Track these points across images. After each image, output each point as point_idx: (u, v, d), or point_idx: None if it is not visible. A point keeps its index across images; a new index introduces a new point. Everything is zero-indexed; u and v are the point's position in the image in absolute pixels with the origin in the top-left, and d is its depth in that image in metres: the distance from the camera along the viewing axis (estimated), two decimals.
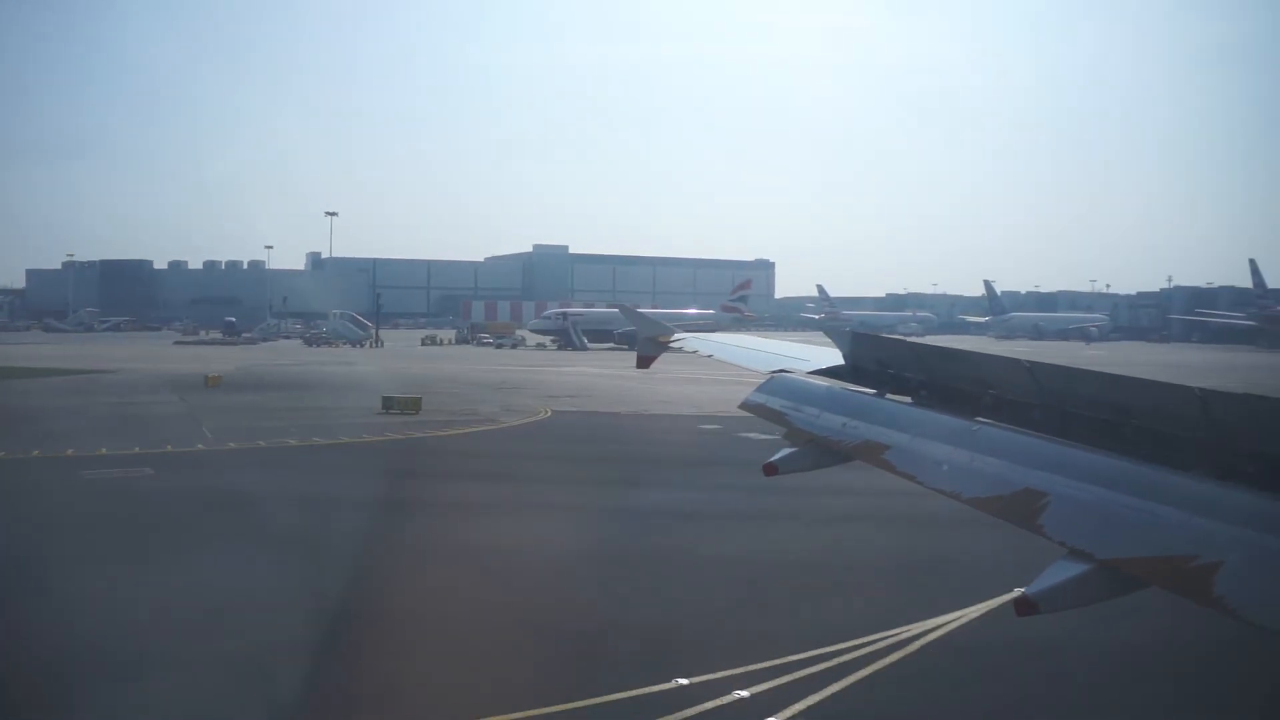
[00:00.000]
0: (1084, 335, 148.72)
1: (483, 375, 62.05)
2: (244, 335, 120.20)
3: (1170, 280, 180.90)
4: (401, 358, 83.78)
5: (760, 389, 7.15)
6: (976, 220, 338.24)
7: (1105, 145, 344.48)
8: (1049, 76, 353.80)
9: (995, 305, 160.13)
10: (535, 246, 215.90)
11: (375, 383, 50.82)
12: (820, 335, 9.73)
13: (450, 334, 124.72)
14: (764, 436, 34.04)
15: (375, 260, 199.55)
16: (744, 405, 7.26)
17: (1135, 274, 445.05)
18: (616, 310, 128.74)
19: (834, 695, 11.45)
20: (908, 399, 5.87)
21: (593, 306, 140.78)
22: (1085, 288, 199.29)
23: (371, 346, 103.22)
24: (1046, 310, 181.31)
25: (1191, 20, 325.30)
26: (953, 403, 5.40)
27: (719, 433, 35.93)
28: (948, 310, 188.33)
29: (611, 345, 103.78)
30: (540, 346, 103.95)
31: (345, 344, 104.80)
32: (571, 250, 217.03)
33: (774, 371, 7.36)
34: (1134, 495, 3.76)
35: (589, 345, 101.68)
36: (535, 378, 61.13)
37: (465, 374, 63.49)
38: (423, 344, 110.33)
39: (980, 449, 4.72)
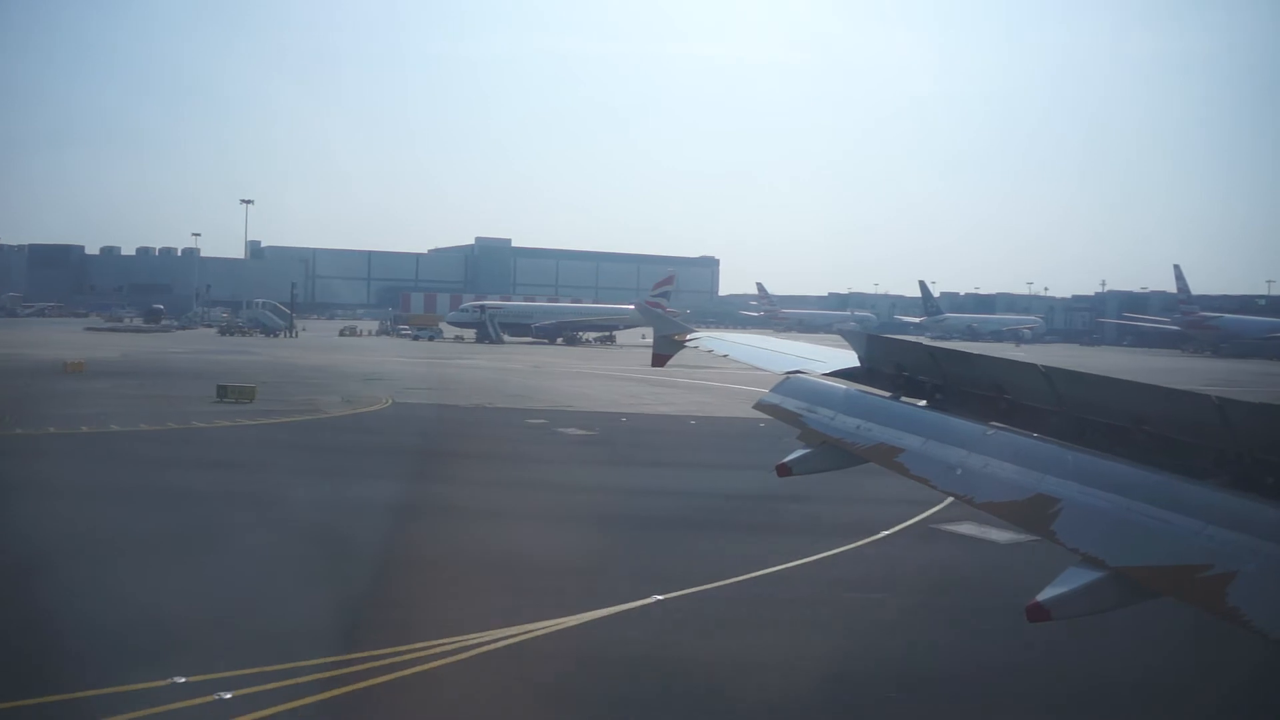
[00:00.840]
0: (1016, 337, 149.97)
1: (367, 367, 61.05)
2: (163, 323, 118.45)
3: (1104, 285, 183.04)
4: (304, 348, 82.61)
5: (775, 389, 7.16)
6: (923, 222, 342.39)
7: (1047, 151, 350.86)
8: (994, 83, 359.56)
9: (930, 306, 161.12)
10: (478, 239, 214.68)
11: (246, 372, 50.34)
12: (834, 338, 9.60)
13: (373, 325, 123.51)
14: (581, 432, 34.49)
15: (315, 250, 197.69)
16: (758, 405, 7.27)
17: (1074, 277, 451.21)
18: (535, 304, 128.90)
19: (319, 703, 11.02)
20: (922, 402, 5.84)
21: (533, 300, 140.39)
22: (1024, 290, 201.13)
23: (287, 336, 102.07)
24: (985, 312, 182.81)
25: (1131, 32, 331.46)
26: (967, 407, 5.38)
27: (539, 427, 35.74)
28: (889, 310, 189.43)
29: (530, 339, 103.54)
30: (458, 339, 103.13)
31: (260, 333, 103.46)
32: (515, 244, 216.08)
33: (789, 372, 7.35)
34: (1148, 503, 3.73)
35: (505, 338, 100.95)
36: (416, 370, 60.24)
37: (349, 365, 62.59)
38: (340, 334, 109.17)
39: (994, 454, 4.71)
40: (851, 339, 7.27)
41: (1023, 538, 17.51)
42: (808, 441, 6.32)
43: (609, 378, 59.18)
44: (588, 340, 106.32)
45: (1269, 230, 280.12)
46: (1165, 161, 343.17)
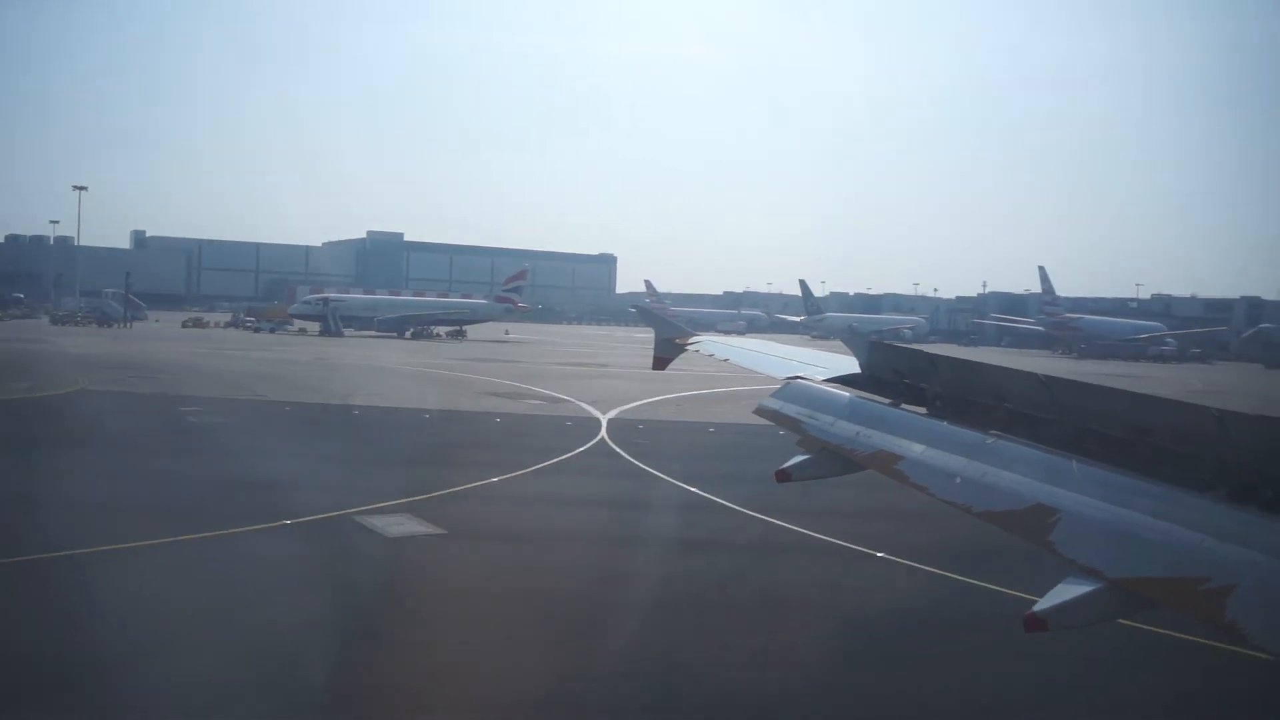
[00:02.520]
0: (896, 337, 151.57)
1: (136, 356, 59.30)
2: (10, 312, 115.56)
3: (985, 285, 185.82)
4: (111, 338, 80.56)
5: (775, 395, 7.13)
6: (820, 223, 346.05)
7: (937, 153, 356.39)
8: (891, 87, 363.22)
9: (810, 305, 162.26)
10: (369, 233, 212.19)
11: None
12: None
13: (225, 317, 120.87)
14: (219, 419, 33.41)
15: (201, 241, 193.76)
16: (758, 411, 7.23)
17: (962, 279, 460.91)
18: (381, 297, 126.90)
19: None
20: (923, 410, 5.79)
21: (423, 295, 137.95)
22: (911, 291, 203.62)
23: (122, 326, 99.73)
24: (872, 311, 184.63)
25: (1033, 36, 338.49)
26: (968, 415, 5.31)
27: (194, 413, 34.90)
28: (781, 309, 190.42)
29: (374, 333, 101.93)
30: (302, 332, 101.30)
31: (94, 323, 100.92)
32: (408, 238, 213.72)
33: (790, 378, 7.33)
34: (1147, 515, 3.70)
35: (344, 332, 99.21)
36: (186, 361, 58.52)
37: (118, 354, 60.54)
38: (184, 326, 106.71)
39: (993, 462, 4.68)
40: (853, 345, 7.14)
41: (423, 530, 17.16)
42: (807, 448, 6.32)
43: (386, 370, 58.10)
44: (438, 335, 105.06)
45: (1142, 234, 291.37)
46: (1051, 165, 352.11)
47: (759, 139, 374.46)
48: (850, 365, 7.02)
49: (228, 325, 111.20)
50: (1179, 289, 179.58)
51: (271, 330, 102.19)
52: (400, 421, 34.86)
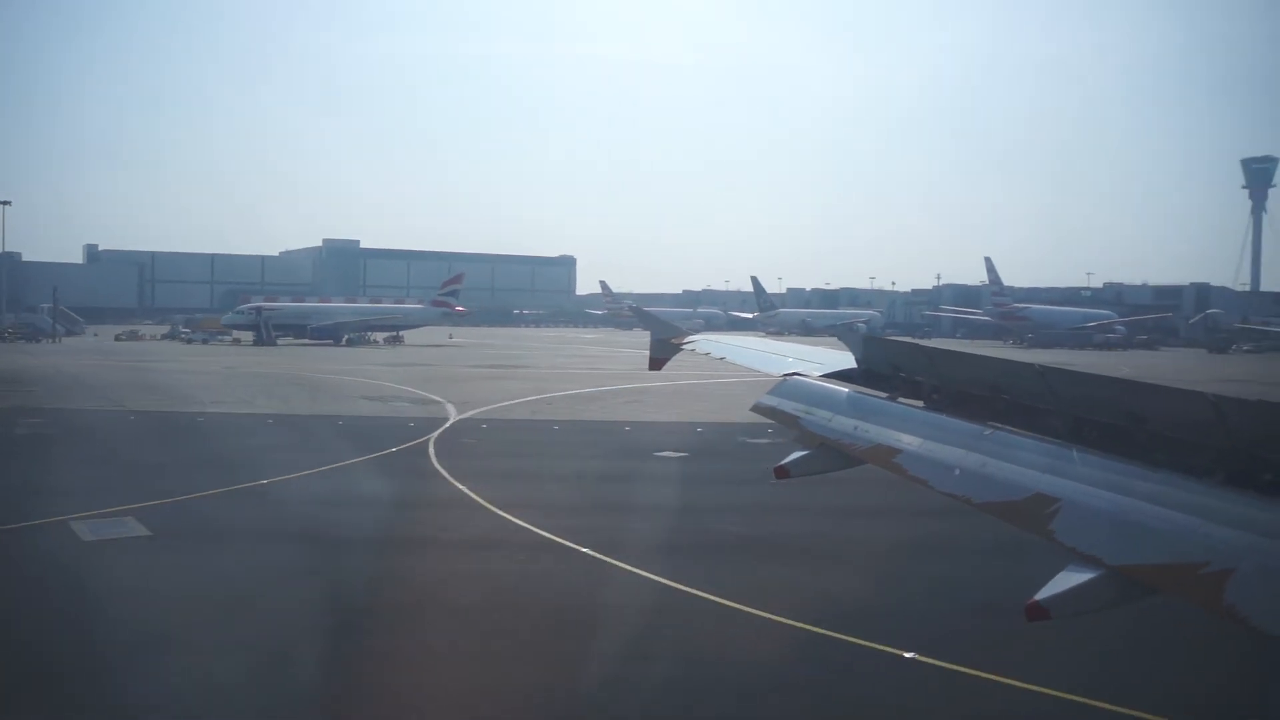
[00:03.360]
0: (851, 330, 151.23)
1: (41, 371, 58.39)
2: None
3: (939, 278, 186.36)
4: (29, 353, 79.55)
5: (772, 391, 7.16)
6: (779, 222, 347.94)
7: (894, 150, 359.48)
8: (844, 86, 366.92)
9: (764, 302, 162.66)
10: (325, 241, 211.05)
11: None
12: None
13: (162, 330, 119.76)
14: (51, 430, 32.87)
15: (155, 254, 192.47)
16: (755, 408, 7.25)
17: (919, 272, 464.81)
18: (313, 304, 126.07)
19: None
20: (919, 403, 5.78)
21: (379, 302, 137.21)
22: (867, 285, 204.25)
23: (53, 341, 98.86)
24: (829, 307, 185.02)
25: (1010, 35, 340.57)
26: (965, 407, 5.32)
27: (31, 424, 34.51)
28: (739, 306, 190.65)
29: (307, 340, 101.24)
30: (236, 342, 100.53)
31: (21, 339, 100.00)
32: (365, 245, 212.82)
33: (786, 374, 7.33)
34: (1146, 502, 3.73)
35: (277, 341, 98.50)
36: (86, 375, 57.74)
37: (23, 368, 59.62)
38: (117, 339, 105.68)
39: (992, 454, 4.69)
40: (849, 340, 7.24)
41: None
42: (805, 443, 6.32)
43: (283, 378, 57.59)
44: (375, 340, 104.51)
45: (1096, 225, 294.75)
46: (1008, 159, 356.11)
47: (718, 139, 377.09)
48: (846, 360, 7.06)
49: (164, 337, 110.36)
50: (1134, 277, 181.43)
51: (204, 341, 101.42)
52: (233, 427, 34.47)
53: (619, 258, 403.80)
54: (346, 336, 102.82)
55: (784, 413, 6.86)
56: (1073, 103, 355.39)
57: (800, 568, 17.16)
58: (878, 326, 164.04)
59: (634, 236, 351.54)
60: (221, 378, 56.08)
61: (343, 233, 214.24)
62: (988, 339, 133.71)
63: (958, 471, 4.81)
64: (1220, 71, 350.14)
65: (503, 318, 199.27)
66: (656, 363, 11.08)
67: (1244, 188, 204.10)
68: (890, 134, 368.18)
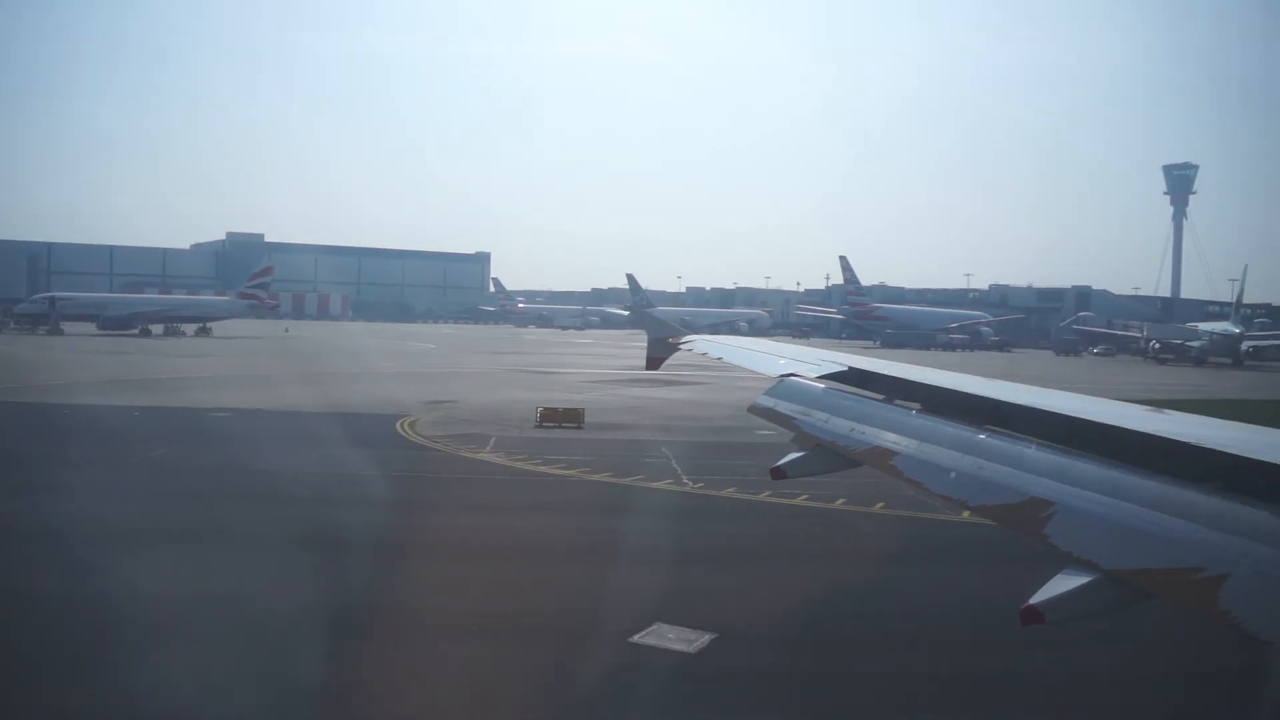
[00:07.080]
0: (733, 330, 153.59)
1: None
2: None
3: (828, 279, 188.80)
4: None
5: (769, 393, 7.14)
6: (686, 219, 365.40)
7: (801, 152, 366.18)
8: (761, 84, 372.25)
9: (640, 300, 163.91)
10: (229, 234, 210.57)
11: None
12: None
13: None
14: None
15: (50, 244, 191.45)
16: (752, 409, 7.21)
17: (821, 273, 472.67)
18: (112, 295, 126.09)
19: None
20: (916, 405, 5.83)
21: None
22: (763, 285, 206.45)
23: None
24: (726, 306, 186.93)
25: (862, 43, 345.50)
26: (960, 410, 5.40)
27: None
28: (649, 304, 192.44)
29: (102, 331, 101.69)
30: (29, 331, 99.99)
31: None
32: (271, 239, 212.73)
33: (783, 376, 7.35)
34: (1141, 506, 3.72)
35: (64, 330, 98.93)
36: None
37: None
38: None
39: (987, 457, 4.70)
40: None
41: None
42: (801, 445, 6.31)
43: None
44: (183, 332, 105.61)
45: (980, 227, 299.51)
46: (911, 163, 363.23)
47: (631, 137, 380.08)
48: (843, 362, 7.19)
49: None
50: (1061, 280, 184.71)
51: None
52: None
53: (539, 257, 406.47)
54: (140, 326, 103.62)
55: (780, 414, 6.84)
56: (983, 109, 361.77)
57: None
58: (765, 326, 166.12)
59: (558, 233, 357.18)
60: None
61: (252, 227, 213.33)
62: (850, 338, 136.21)
63: (954, 474, 4.80)
64: (1148, 79, 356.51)
65: (406, 313, 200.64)
66: (654, 361, 11.18)
67: (1165, 194, 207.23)
68: (797, 138, 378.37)
